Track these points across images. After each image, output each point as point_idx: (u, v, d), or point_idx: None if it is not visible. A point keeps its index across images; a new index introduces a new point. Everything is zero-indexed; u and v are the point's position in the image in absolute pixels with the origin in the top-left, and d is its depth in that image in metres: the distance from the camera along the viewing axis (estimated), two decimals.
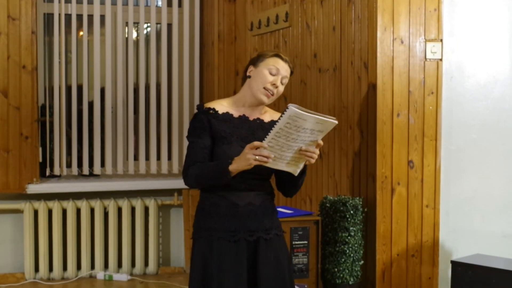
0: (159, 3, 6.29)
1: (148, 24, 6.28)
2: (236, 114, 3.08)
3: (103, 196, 6.06)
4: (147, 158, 6.24)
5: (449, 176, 4.10)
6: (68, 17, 6.02)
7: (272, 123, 3.05)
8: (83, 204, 5.98)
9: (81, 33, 6.18)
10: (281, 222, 3.19)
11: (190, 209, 6.28)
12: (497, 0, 4.21)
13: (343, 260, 3.88)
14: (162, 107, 6.21)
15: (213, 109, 3.06)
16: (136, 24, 6.28)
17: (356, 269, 3.90)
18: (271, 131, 2.75)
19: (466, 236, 4.16)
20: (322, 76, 4.53)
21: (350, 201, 3.90)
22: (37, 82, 5.84)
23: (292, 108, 2.69)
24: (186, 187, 6.21)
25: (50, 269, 5.97)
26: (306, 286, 3.92)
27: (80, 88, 6.05)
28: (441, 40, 4.05)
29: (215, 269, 3.02)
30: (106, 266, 6.09)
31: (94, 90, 6.07)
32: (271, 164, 2.83)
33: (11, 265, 5.99)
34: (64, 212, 5.96)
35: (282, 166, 2.88)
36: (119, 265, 6.11)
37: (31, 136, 5.82)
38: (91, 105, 6.09)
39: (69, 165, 6.09)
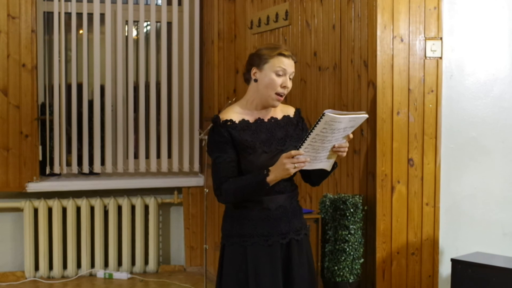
0: (159, 2, 6.29)
1: (148, 23, 6.29)
2: (251, 119, 3.05)
3: (103, 194, 6.06)
4: (147, 156, 6.24)
5: (449, 174, 4.10)
6: (68, 15, 6.02)
7: (285, 118, 3.08)
8: (83, 203, 5.98)
9: (81, 31, 6.18)
10: None
11: (190, 207, 6.29)
12: None
13: (343, 258, 3.88)
14: (162, 106, 6.21)
15: (230, 120, 3.02)
16: (136, 22, 6.28)
17: (356, 267, 3.91)
18: (307, 137, 2.76)
19: (466, 234, 4.16)
20: (322, 74, 4.53)
21: (350, 199, 3.90)
22: (37, 80, 5.84)
23: (329, 115, 2.70)
24: (186, 185, 6.25)
25: (50, 267, 5.98)
26: None
27: (80, 87, 6.05)
28: (441, 38, 4.05)
29: (251, 274, 3.02)
30: (106, 264, 6.09)
31: (94, 89, 6.07)
32: (307, 166, 2.86)
33: (11, 263, 6.00)
34: (64, 210, 5.97)
35: (316, 165, 2.90)
36: (119, 263, 6.12)
37: (31, 135, 5.82)
38: (91, 103, 6.09)
39: (69, 163, 6.09)
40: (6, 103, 5.75)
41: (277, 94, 3.00)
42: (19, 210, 5.93)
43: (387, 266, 4.00)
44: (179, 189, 6.27)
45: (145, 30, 6.32)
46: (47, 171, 6.00)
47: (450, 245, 4.12)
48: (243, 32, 5.82)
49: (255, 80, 3.04)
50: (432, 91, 4.04)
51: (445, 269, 4.05)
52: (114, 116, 6.15)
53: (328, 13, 4.44)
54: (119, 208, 6.08)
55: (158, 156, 6.27)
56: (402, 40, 3.98)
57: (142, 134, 6.18)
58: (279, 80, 2.99)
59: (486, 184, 4.21)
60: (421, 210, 4.04)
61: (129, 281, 5.96)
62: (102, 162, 6.15)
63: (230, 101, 4.66)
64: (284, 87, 3.00)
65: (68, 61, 6.11)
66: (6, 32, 5.74)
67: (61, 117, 5.99)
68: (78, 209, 6.00)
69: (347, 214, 3.88)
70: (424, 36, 4.02)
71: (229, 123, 3.02)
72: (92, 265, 6.07)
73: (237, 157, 3.01)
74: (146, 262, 6.19)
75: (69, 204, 5.95)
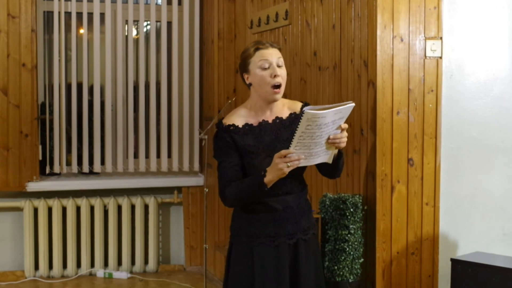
0: (159, 1, 6.29)
1: (148, 22, 6.28)
2: (255, 122, 3.05)
3: (103, 194, 6.06)
4: (147, 156, 6.24)
5: (449, 174, 4.10)
6: (68, 15, 6.02)
7: (292, 116, 3.07)
8: (83, 202, 5.98)
9: (81, 31, 6.18)
10: None
11: (190, 207, 6.29)
12: None
13: (343, 258, 3.88)
14: (162, 105, 6.21)
15: (233, 125, 3.02)
16: (136, 22, 6.28)
17: (356, 267, 3.91)
18: (294, 136, 2.75)
19: (466, 234, 4.16)
20: (322, 74, 4.53)
21: (350, 199, 3.90)
22: (37, 80, 5.84)
23: (309, 112, 2.68)
24: (186, 185, 6.25)
25: (50, 267, 5.98)
26: None
27: (80, 86, 6.05)
28: (441, 38, 4.05)
29: (257, 274, 3.03)
30: (106, 264, 6.09)
31: (94, 88, 6.07)
32: (304, 163, 2.85)
33: (11, 263, 6.00)
34: (64, 210, 5.97)
35: (315, 161, 2.89)
36: (119, 263, 6.12)
37: (31, 134, 5.82)
38: (91, 103, 6.09)
39: (69, 163, 6.09)
40: (6, 103, 5.75)
41: (273, 86, 2.98)
42: (19, 209, 5.93)
43: (387, 266, 4.00)
44: (179, 189, 6.27)
45: (145, 29, 6.32)
46: (47, 170, 6.00)
47: (450, 245, 4.12)
48: (243, 31, 5.82)
49: (250, 84, 3.04)
50: (432, 91, 4.03)
51: (445, 269, 4.04)
52: (114, 115, 6.14)
53: (328, 13, 4.44)
54: (119, 208, 6.08)
55: (158, 155, 6.27)
56: (402, 40, 3.98)
57: (142, 133, 6.18)
58: (267, 73, 2.97)
59: (486, 184, 4.20)
60: (421, 210, 4.04)
61: (129, 280, 5.96)
62: (102, 162, 6.15)
63: (230, 101, 4.67)
64: (274, 76, 2.97)
65: (68, 60, 6.11)
66: (6, 31, 5.74)
67: (61, 116, 5.99)
68: (78, 209, 6.00)
69: (347, 213, 3.88)
70: (424, 36, 4.02)
71: (231, 128, 3.02)
72: (92, 265, 6.07)
73: (241, 161, 3.01)
74: (146, 261, 6.19)
75: (69, 203, 5.95)
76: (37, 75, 5.86)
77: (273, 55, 3.00)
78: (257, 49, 3.01)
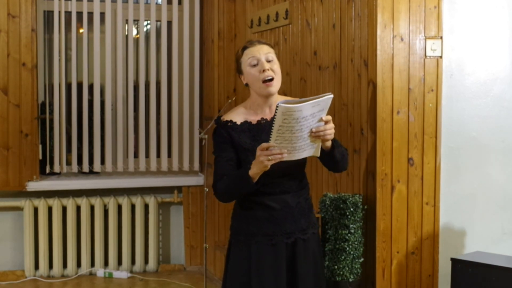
0: (159, 1, 6.29)
1: (148, 22, 6.28)
2: (254, 120, 3.06)
3: (103, 193, 6.06)
4: (147, 155, 6.24)
5: (449, 173, 4.10)
6: (68, 14, 6.02)
7: None
8: (83, 202, 5.98)
9: (81, 30, 6.18)
10: None
11: (190, 207, 6.29)
12: None
13: (343, 257, 3.88)
14: (162, 105, 6.21)
15: (231, 121, 3.04)
16: (136, 21, 6.28)
17: (356, 266, 3.91)
18: (272, 130, 2.74)
19: (466, 234, 4.16)
20: (322, 73, 4.53)
21: (350, 199, 3.90)
22: (37, 79, 5.84)
23: (282, 105, 2.67)
24: (186, 184, 6.25)
25: (50, 266, 5.98)
26: None
27: (80, 86, 6.05)
28: (441, 38, 4.05)
29: (254, 273, 3.03)
30: (106, 263, 6.09)
31: (94, 88, 6.07)
32: (289, 157, 2.82)
33: (11, 262, 6.00)
34: (64, 209, 5.97)
35: (301, 155, 2.87)
36: (119, 262, 6.12)
37: (31, 134, 5.82)
38: (91, 102, 6.09)
39: (69, 162, 6.09)
40: (6, 102, 5.75)
41: (264, 82, 2.98)
42: (19, 209, 5.93)
43: (387, 266, 4.00)
44: (179, 188, 6.27)
45: (145, 29, 6.32)
46: (47, 170, 6.00)
47: (450, 245, 4.12)
48: (243, 31, 5.82)
49: (247, 84, 3.07)
50: (432, 90, 4.03)
51: (445, 269, 4.04)
52: (114, 115, 6.14)
53: (328, 12, 4.44)
54: (119, 207, 6.08)
55: (158, 155, 6.27)
56: (402, 40, 3.98)
57: (142, 133, 6.18)
58: (255, 69, 3.00)
59: (486, 183, 4.21)
60: (421, 209, 4.04)
61: (129, 280, 5.96)
62: (102, 161, 6.15)
63: (230, 100, 4.67)
64: (263, 71, 2.98)
65: (68, 60, 6.11)
66: (6, 31, 5.73)
67: (61, 116, 5.99)
68: (78, 208, 6.00)
69: (347, 213, 3.88)
70: (424, 35, 4.02)
71: (229, 124, 3.04)
72: (92, 264, 6.07)
73: (237, 157, 3.02)
74: (146, 261, 6.19)
75: (69, 203, 5.95)
76: (37, 75, 5.86)
77: (260, 51, 3.02)
78: (244, 48, 3.06)
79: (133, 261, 6.16)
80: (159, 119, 6.25)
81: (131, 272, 6.10)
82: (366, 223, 4.02)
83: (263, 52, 3.02)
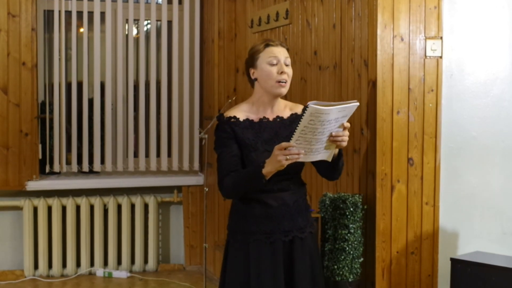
0: (160, 0, 6.29)
1: (148, 21, 6.28)
2: (256, 118, 3.08)
3: (102, 193, 6.06)
4: (147, 155, 6.24)
5: (448, 173, 4.10)
6: (68, 14, 6.02)
7: (293, 116, 3.10)
8: (83, 201, 5.98)
9: (81, 30, 6.18)
10: None
11: (190, 206, 6.28)
12: None
13: (342, 257, 3.88)
14: (162, 104, 6.21)
15: (234, 117, 3.06)
16: (136, 21, 6.28)
17: (355, 266, 3.91)
18: (296, 129, 2.76)
19: (465, 234, 4.16)
20: (322, 73, 4.53)
21: (350, 198, 3.90)
22: (37, 79, 5.84)
23: (312, 106, 2.69)
24: (186, 184, 6.25)
25: (50, 266, 5.98)
26: None
27: (80, 85, 6.05)
28: (441, 38, 4.05)
29: (253, 271, 3.04)
30: (105, 263, 6.09)
31: (94, 87, 6.07)
32: (303, 158, 2.85)
33: (11, 262, 6.00)
34: (64, 209, 5.96)
35: (315, 157, 2.89)
36: (119, 262, 6.12)
37: (30, 133, 5.82)
38: (91, 102, 6.09)
39: (68, 162, 6.09)
40: (6, 102, 5.75)
41: (278, 82, 3.02)
42: (18, 208, 5.93)
43: (386, 265, 4.00)
44: (179, 188, 6.27)
45: (145, 28, 6.32)
46: (47, 169, 5.99)
47: (449, 245, 4.12)
48: (244, 31, 5.82)
49: (256, 79, 3.08)
50: (432, 90, 4.04)
51: (444, 269, 4.04)
52: (114, 114, 6.14)
53: (329, 12, 4.44)
54: (119, 207, 6.08)
55: (158, 155, 6.27)
56: (402, 40, 3.98)
57: (142, 132, 6.18)
58: (274, 69, 3.03)
59: (486, 183, 4.21)
60: (420, 209, 4.04)
61: (128, 280, 5.95)
62: (102, 161, 6.15)
63: (230, 100, 4.67)
64: (281, 73, 3.02)
65: (68, 59, 6.11)
66: (6, 30, 5.74)
67: (61, 115, 5.99)
68: (78, 208, 6.00)
69: (347, 213, 3.88)
70: (424, 36, 4.02)
71: (232, 120, 3.05)
72: (92, 264, 6.07)
73: (241, 152, 3.03)
74: (145, 261, 6.19)
75: (69, 202, 5.94)
76: (37, 74, 5.86)
77: (281, 53, 3.06)
78: (267, 45, 3.07)
79: (132, 261, 6.15)
80: (159, 119, 6.25)
81: (131, 271, 6.10)
82: (366, 223, 4.02)
83: (284, 55, 3.07)
